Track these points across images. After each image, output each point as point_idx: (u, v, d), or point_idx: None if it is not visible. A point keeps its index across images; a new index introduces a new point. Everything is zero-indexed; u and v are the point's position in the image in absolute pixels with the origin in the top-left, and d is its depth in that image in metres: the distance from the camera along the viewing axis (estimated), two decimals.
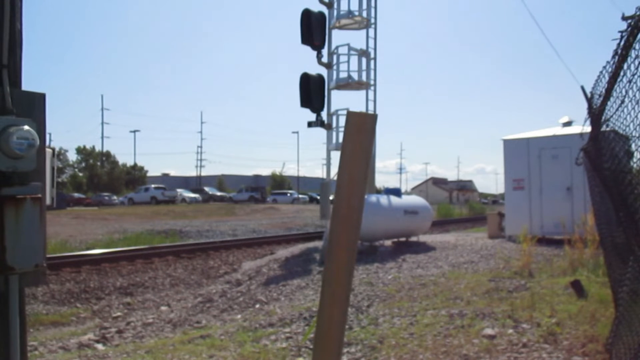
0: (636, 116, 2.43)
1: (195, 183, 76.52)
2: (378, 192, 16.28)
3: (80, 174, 67.79)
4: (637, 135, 2.45)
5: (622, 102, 2.71)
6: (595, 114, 3.91)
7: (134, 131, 75.13)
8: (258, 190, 57.59)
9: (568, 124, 13.89)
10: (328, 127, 14.09)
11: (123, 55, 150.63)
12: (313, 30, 13.29)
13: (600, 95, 3.60)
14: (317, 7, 14.06)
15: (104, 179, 67.13)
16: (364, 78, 14.63)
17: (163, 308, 8.94)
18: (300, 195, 57.68)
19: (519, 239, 9.85)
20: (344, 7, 14.51)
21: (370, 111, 14.77)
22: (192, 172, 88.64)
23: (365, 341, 4.95)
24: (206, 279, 11.66)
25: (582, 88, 4.62)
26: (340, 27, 14.86)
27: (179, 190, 53.37)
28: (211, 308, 8.34)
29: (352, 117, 1.78)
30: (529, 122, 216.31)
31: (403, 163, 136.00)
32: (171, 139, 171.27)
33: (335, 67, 14.26)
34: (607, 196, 3.70)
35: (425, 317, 5.63)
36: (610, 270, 4.70)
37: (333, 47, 14.29)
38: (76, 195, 51.86)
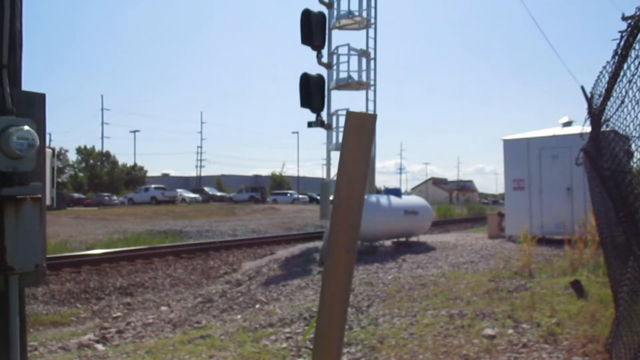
0: (636, 116, 2.43)
1: (195, 183, 76.51)
2: (378, 192, 16.28)
3: (81, 174, 67.80)
4: (637, 135, 2.45)
5: (622, 102, 2.71)
6: (595, 114, 3.91)
7: (134, 131, 75.28)
8: (258, 190, 57.59)
9: (568, 124, 13.90)
10: (328, 127, 14.09)
11: (123, 55, 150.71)
12: (313, 30, 13.30)
13: (600, 95, 3.60)
14: (317, 7, 14.08)
15: (105, 179, 67.14)
16: (364, 78, 14.63)
17: (163, 308, 8.94)
18: (300, 196, 57.67)
19: (519, 239, 9.85)
20: (344, 7, 14.54)
21: (370, 111, 14.77)
22: (192, 172, 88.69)
23: (365, 341, 4.95)
24: (206, 279, 11.66)
25: (582, 88, 4.63)
26: (340, 27, 14.87)
27: (179, 190, 53.36)
28: (211, 308, 8.34)
29: (352, 117, 1.78)
30: (529, 122, 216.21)
31: (403, 163, 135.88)
32: (171, 139, 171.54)
33: (335, 67, 14.27)
34: (607, 196, 3.70)
35: (425, 317, 5.63)
36: (610, 270, 4.70)
37: (333, 47, 14.31)
38: (76, 195, 51.85)
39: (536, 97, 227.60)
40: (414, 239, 13.85)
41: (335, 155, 14.49)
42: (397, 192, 13.85)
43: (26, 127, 2.18)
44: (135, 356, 5.12)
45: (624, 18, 2.74)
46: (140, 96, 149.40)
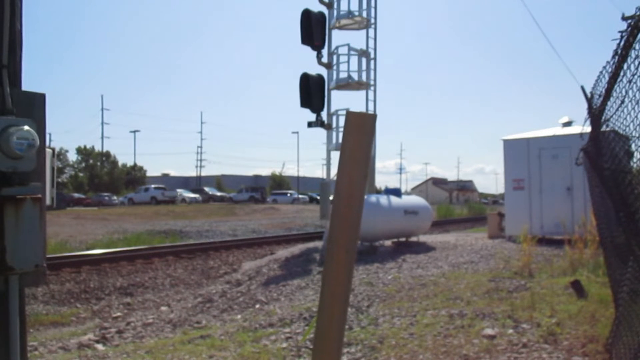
0: (636, 116, 2.43)
1: (195, 183, 76.51)
2: (378, 192, 16.28)
3: (81, 174, 67.82)
4: (637, 135, 2.45)
5: (622, 102, 2.71)
6: (595, 114, 3.91)
7: (134, 131, 75.21)
8: (258, 190, 57.61)
9: (568, 124, 13.90)
10: (328, 127, 14.10)
11: (123, 55, 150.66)
12: (313, 30, 13.31)
13: (600, 95, 3.60)
14: (317, 7, 14.09)
15: (105, 179, 67.15)
16: (364, 78, 14.63)
17: (163, 308, 8.94)
18: (300, 196, 57.69)
19: (519, 239, 9.85)
20: (344, 7, 14.54)
21: (370, 111, 14.77)
22: (192, 172, 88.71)
23: (365, 341, 4.95)
24: (206, 279, 11.66)
25: (582, 88, 4.63)
26: (340, 27, 14.87)
27: (178, 190, 53.37)
28: (211, 308, 8.34)
29: (352, 117, 1.78)
30: (529, 122, 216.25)
31: (403, 163, 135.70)
32: (171, 139, 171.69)
33: (335, 67, 14.27)
34: (607, 196, 3.70)
35: (425, 317, 5.63)
36: (610, 270, 4.71)
37: (333, 47, 14.31)
38: (76, 195, 51.89)
39: (536, 97, 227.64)
40: (414, 239, 13.84)
41: (335, 155, 14.50)
42: (397, 192, 13.85)
43: (26, 127, 2.18)
44: (135, 356, 5.12)
45: (624, 18, 2.73)
46: (140, 96, 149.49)
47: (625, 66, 2.65)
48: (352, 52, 14.46)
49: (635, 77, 2.40)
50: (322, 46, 13.72)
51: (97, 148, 72.57)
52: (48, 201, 2.43)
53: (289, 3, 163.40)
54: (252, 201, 52.27)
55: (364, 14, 14.70)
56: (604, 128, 3.67)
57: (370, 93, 14.92)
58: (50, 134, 53.85)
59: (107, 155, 72.50)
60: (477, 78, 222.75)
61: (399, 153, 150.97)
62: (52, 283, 10.26)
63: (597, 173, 4.13)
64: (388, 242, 13.05)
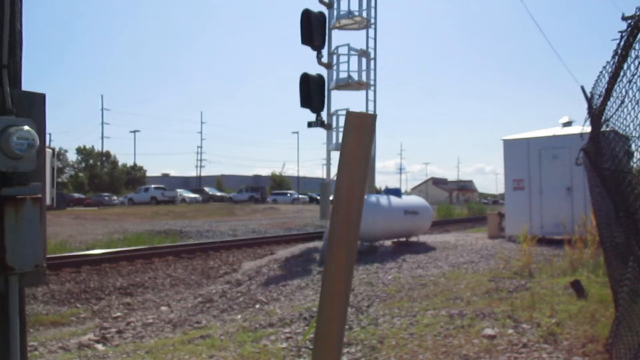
0: (636, 116, 2.43)
1: (195, 183, 76.51)
2: (378, 192, 16.28)
3: (81, 174, 67.86)
4: (637, 135, 2.45)
5: (622, 102, 2.71)
6: (595, 114, 3.91)
7: (134, 131, 75.21)
8: (258, 190, 57.62)
9: (568, 124, 13.90)
10: (328, 127, 14.09)
11: (123, 55, 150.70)
12: (313, 30, 13.31)
13: (600, 95, 3.60)
14: (317, 7, 14.09)
15: (105, 179, 67.17)
16: (364, 78, 14.64)
17: (163, 308, 8.94)
18: (300, 196, 57.69)
19: (519, 239, 9.85)
20: (344, 7, 14.54)
21: (370, 111, 14.78)
22: (192, 172, 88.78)
23: (365, 341, 4.95)
24: (206, 279, 11.65)
25: (582, 88, 4.63)
26: (340, 27, 14.87)
27: (178, 190, 53.37)
28: (211, 308, 8.34)
29: (352, 117, 1.78)
30: (529, 122, 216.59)
31: (403, 163, 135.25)
32: (171, 139, 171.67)
33: (335, 67, 14.27)
34: (607, 196, 3.70)
35: (425, 317, 5.63)
36: (610, 270, 4.71)
37: (333, 47, 14.31)
38: (76, 195, 51.90)
39: (536, 97, 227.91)
40: (414, 239, 13.85)
41: (335, 155, 14.51)
42: (397, 192, 13.86)
43: (26, 127, 2.18)
44: (135, 356, 5.12)
45: (624, 18, 2.73)
46: (140, 96, 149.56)
47: (625, 66, 2.65)
48: (352, 52, 14.46)
49: (635, 77, 2.40)
50: (322, 46, 13.72)
51: (97, 148, 72.72)
52: (48, 201, 2.42)
53: (289, 3, 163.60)
54: (252, 201, 52.30)
55: (364, 14, 14.70)
56: (604, 128, 3.67)
57: (370, 93, 14.94)
58: (50, 134, 53.92)
59: (107, 155, 72.55)
60: (478, 78, 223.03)
61: (399, 153, 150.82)
62: (52, 283, 10.25)
63: (597, 173, 4.13)
64: (388, 242, 13.05)
